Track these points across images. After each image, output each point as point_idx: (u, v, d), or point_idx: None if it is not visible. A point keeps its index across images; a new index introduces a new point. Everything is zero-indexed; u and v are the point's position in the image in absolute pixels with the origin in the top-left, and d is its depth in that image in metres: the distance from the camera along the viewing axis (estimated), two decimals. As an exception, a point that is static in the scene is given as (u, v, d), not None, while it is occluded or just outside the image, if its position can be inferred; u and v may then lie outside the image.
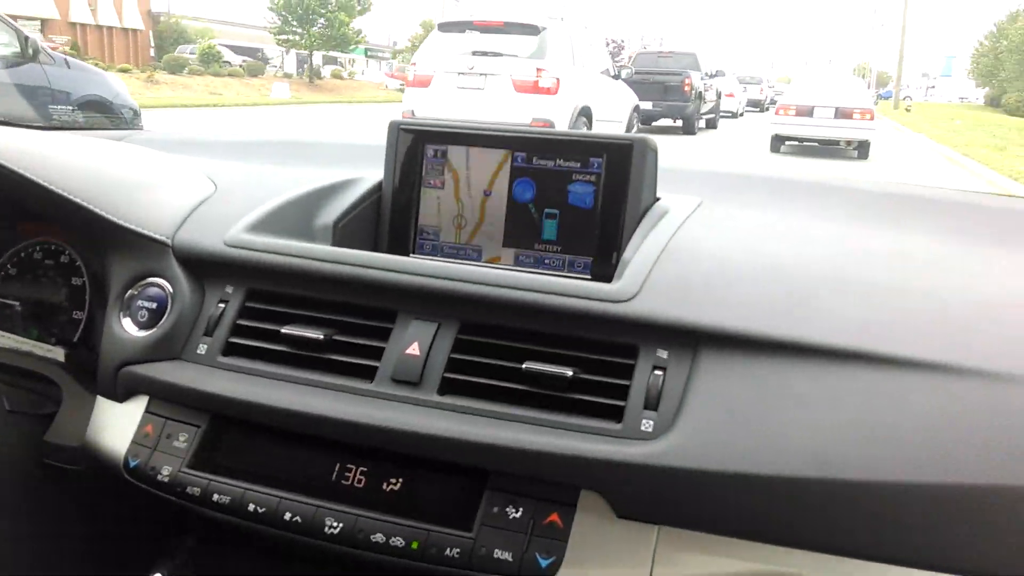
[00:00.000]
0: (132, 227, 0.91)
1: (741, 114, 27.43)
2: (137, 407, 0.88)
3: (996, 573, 0.63)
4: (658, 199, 0.93)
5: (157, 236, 0.91)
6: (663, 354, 0.74)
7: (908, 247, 0.88)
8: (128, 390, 0.88)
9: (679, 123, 15.20)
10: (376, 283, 0.82)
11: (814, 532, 0.67)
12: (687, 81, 14.78)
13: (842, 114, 12.05)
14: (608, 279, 0.81)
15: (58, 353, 0.95)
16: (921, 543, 0.65)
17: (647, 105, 14.53)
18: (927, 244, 0.89)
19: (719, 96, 18.36)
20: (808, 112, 12.23)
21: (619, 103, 10.14)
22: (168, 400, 0.86)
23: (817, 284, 0.77)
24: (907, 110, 30.82)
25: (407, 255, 0.98)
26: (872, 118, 12.15)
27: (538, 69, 8.08)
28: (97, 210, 0.90)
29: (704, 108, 16.56)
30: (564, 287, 0.77)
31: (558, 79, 8.15)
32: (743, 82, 33.96)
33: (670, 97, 14.70)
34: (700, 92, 15.72)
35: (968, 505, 0.64)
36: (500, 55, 8.31)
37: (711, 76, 17.53)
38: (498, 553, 0.71)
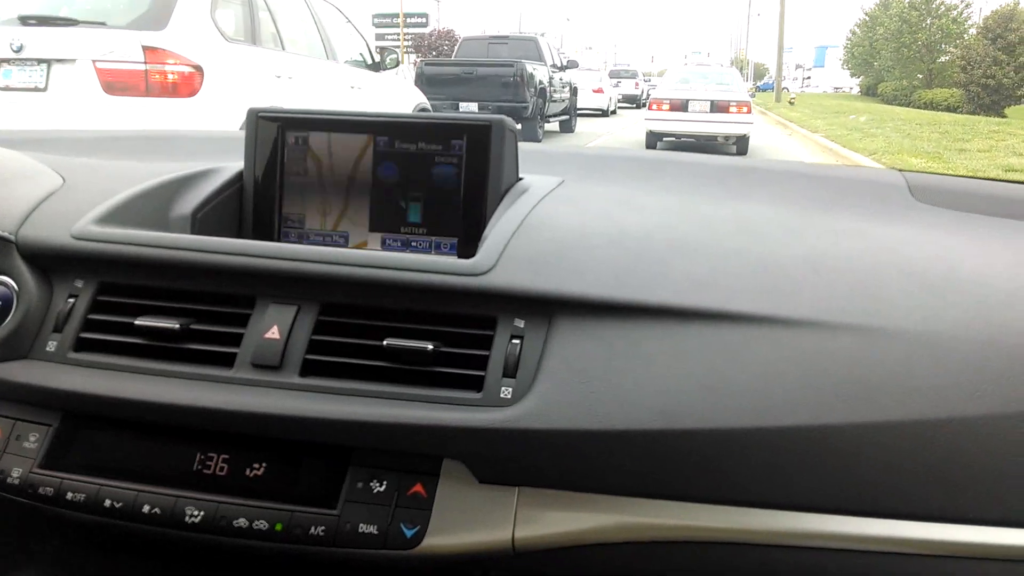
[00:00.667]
0: None
1: (613, 111, 24.40)
2: None
3: (826, 506, 0.68)
4: (521, 179, 0.95)
5: None
6: (520, 323, 0.75)
7: (747, 213, 0.92)
8: None
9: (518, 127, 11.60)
10: (232, 269, 0.80)
11: (664, 481, 0.70)
12: (523, 74, 11.20)
13: (718, 108, 11.27)
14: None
15: None
16: (759, 483, 0.68)
17: (471, 106, 10.98)
18: (765, 210, 0.94)
19: (574, 92, 14.84)
20: (683, 106, 11.38)
21: (376, 107, 6.34)
22: (16, 400, 0.81)
23: (663, 250, 0.80)
24: (791, 103, 28.39)
25: None
26: (749, 111, 11.39)
27: (150, 50, 4.17)
28: None
29: (553, 108, 13.06)
30: (421, 263, 0.77)
31: (198, 68, 4.28)
32: (617, 76, 31.27)
33: (503, 95, 11.07)
34: (544, 88, 12.19)
35: (800, 445, 0.67)
36: (75, 23, 4.36)
37: (561, 67, 14.01)
38: (363, 527, 0.71)
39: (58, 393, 0.78)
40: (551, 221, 0.83)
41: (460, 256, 0.86)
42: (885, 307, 0.72)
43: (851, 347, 0.69)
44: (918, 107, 30.53)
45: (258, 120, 0.95)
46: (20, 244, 0.84)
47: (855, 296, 0.74)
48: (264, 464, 0.75)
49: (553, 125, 13.60)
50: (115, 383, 0.77)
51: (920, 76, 39.46)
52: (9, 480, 0.77)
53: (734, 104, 11.25)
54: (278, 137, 0.95)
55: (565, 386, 0.70)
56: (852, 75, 59.14)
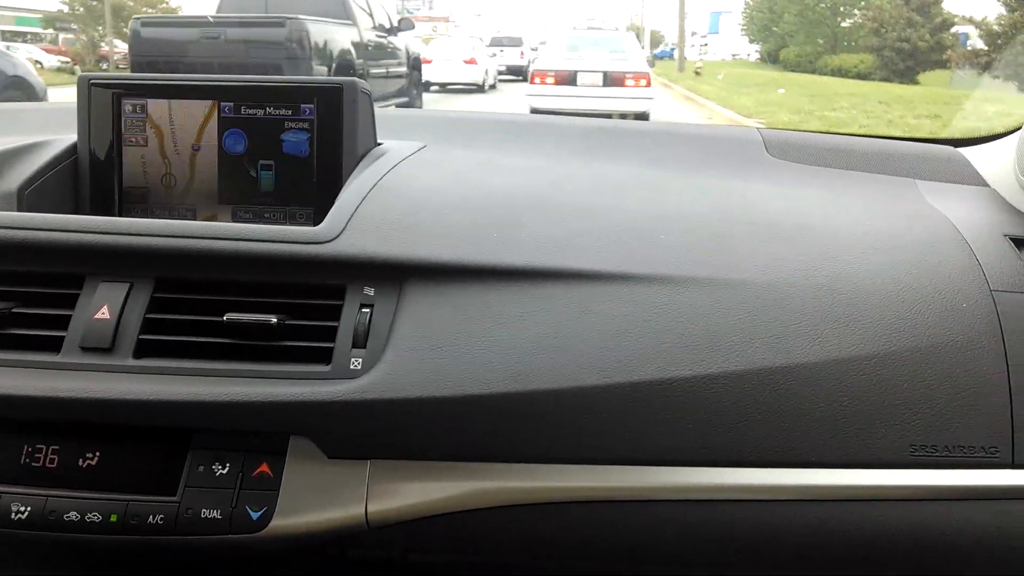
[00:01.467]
0: None
1: (492, 86, 20.23)
2: None
3: (679, 459, 0.68)
4: (379, 144, 0.94)
5: None
6: (370, 291, 0.74)
7: (609, 174, 0.94)
8: None
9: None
10: (56, 246, 0.75)
11: (518, 444, 0.69)
12: (303, 38, 6.87)
13: (612, 80, 10.11)
14: None
15: None
16: (613, 440, 0.68)
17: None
18: (627, 170, 0.96)
19: (415, 65, 10.51)
20: (570, 79, 10.17)
21: None
22: None
23: (518, 212, 0.80)
24: (697, 72, 24.89)
25: None
26: (649, 84, 10.33)
27: None
28: None
29: (376, 88, 8.73)
30: (260, 233, 0.74)
31: None
32: (498, 44, 27.05)
33: (266, 69, 6.70)
34: (350, 60, 7.89)
35: (650, 399, 0.68)
36: None
37: (389, 30, 9.64)
38: (206, 513, 0.69)
39: None
40: (405, 185, 0.82)
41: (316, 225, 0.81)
42: (731, 259, 0.75)
43: (697, 300, 0.71)
44: (824, 74, 28.29)
45: (90, 87, 0.91)
46: None
47: (703, 250, 0.76)
48: (97, 453, 0.72)
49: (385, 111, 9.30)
50: None
51: (821, 41, 37.39)
52: None
53: (631, 76, 10.06)
54: (113, 106, 0.91)
55: (415, 354, 0.69)
56: (751, 41, 57.01)
